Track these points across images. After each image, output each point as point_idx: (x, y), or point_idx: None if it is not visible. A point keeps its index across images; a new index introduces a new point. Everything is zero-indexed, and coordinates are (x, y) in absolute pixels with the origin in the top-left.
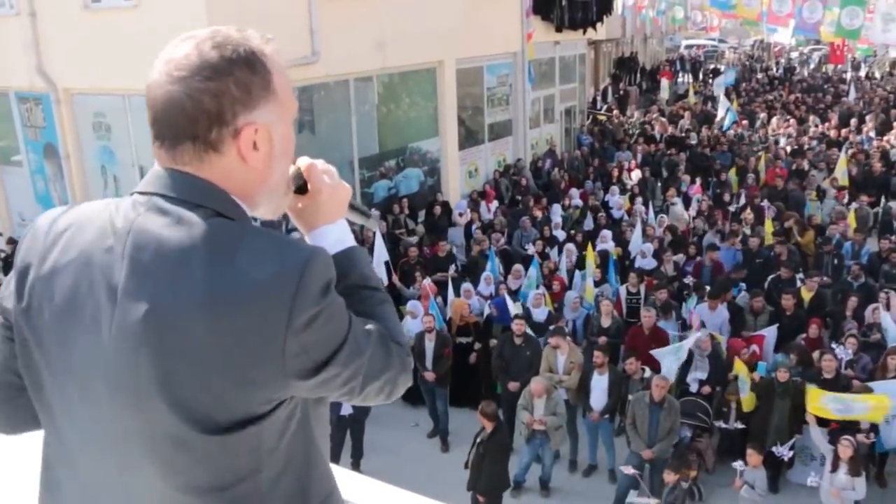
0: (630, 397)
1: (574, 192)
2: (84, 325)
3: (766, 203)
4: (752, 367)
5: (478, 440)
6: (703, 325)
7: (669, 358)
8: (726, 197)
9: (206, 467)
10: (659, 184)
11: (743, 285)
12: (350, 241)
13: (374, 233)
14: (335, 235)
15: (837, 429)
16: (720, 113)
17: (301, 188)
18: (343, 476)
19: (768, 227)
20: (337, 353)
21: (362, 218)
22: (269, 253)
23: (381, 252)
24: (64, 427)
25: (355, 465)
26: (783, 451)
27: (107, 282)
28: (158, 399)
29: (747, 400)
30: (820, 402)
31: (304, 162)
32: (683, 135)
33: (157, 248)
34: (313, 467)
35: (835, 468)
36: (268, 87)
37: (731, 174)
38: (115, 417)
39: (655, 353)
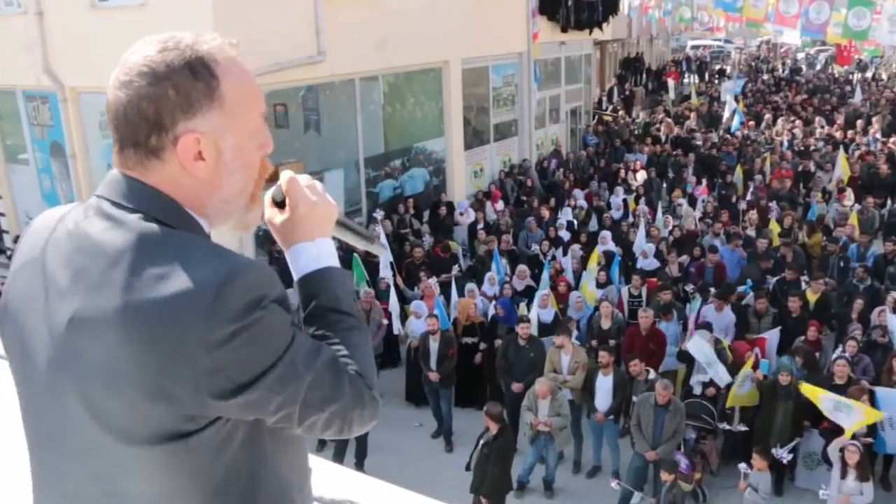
0: (635, 398)
1: (578, 192)
2: (33, 327)
3: (773, 204)
4: (754, 367)
5: (481, 441)
6: (707, 326)
7: (715, 369)
8: (732, 198)
9: (129, 478)
10: (664, 185)
11: (750, 283)
12: (328, 261)
13: (379, 233)
14: (312, 254)
15: (829, 429)
16: (726, 114)
17: (280, 203)
18: (347, 476)
19: (774, 228)
20: (263, 376)
21: (362, 241)
22: (192, 264)
23: (386, 254)
24: (28, 424)
25: (359, 466)
26: (782, 453)
27: (52, 284)
28: (81, 404)
29: (744, 397)
30: (820, 401)
31: (286, 176)
32: (689, 135)
33: (90, 253)
34: (260, 494)
35: (843, 474)
36: (212, 94)
37: (738, 175)
38: (53, 418)
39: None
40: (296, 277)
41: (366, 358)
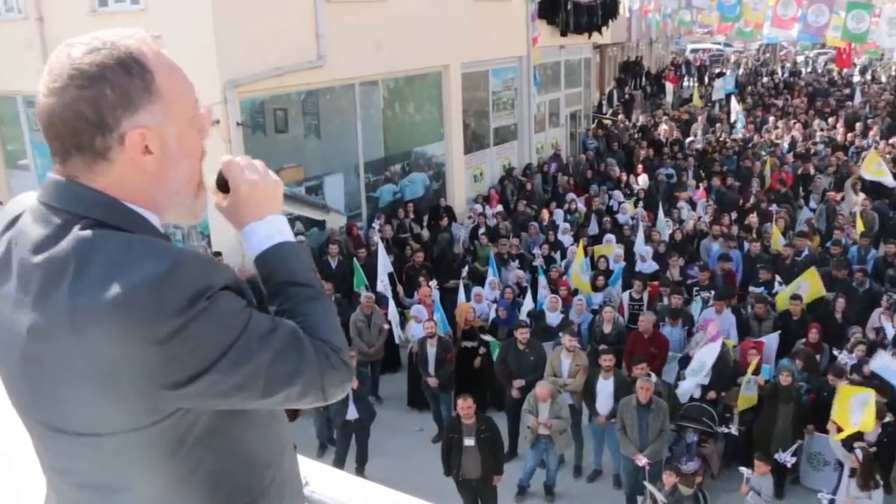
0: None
1: (571, 195)
2: (4, 338)
3: (774, 207)
4: (755, 372)
5: (475, 439)
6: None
7: (690, 381)
8: (737, 201)
9: (98, 468)
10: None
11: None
12: (280, 237)
13: (377, 243)
14: (263, 232)
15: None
16: (732, 116)
17: (224, 186)
18: (348, 480)
19: (776, 232)
20: (217, 363)
21: (318, 213)
22: (131, 264)
23: (384, 263)
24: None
25: (360, 470)
26: (786, 458)
27: (4, 294)
28: (43, 407)
29: (746, 399)
30: (850, 402)
31: (223, 159)
32: (692, 139)
33: (34, 261)
34: (227, 478)
35: (853, 474)
36: (148, 87)
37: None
38: (23, 415)
39: (683, 385)
40: (252, 257)
41: (328, 324)
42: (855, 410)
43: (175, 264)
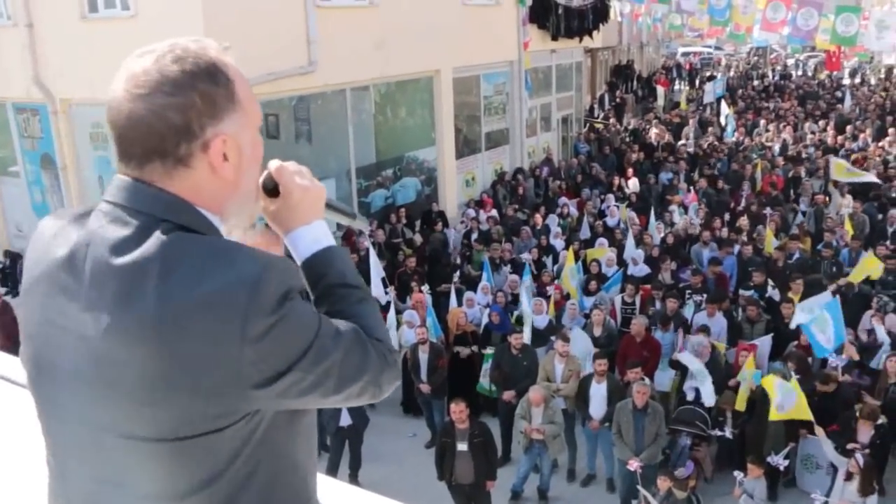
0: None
1: (564, 199)
2: (57, 343)
3: (767, 210)
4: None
5: (468, 444)
6: (706, 330)
7: (704, 385)
8: (727, 204)
9: (165, 476)
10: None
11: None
12: (327, 241)
13: (368, 248)
14: (311, 237)
15: (838, 432)
16: (723, 120)
17: (272, 191)
18: (340, 488)
19: (769, 235)
20: (299, 360)
21: (346, 218)
22: (223, 266)
23: (376, 268)
24: (52, 437)
25: (353, 476)
26: (778, 460)
27: (72, 293)
28: (119, 410)
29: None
30: (775, 387)
31: (273, 164)
32: (684, 142)
33: (115, 262)
34: (281, 481)
35: (848, 478)
36: (232, 97)
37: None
38: (84, 427)
39: (704, 391)
40: (299, 261)
41: (380, 324)
42: (787, 398)
43: (267, 266)
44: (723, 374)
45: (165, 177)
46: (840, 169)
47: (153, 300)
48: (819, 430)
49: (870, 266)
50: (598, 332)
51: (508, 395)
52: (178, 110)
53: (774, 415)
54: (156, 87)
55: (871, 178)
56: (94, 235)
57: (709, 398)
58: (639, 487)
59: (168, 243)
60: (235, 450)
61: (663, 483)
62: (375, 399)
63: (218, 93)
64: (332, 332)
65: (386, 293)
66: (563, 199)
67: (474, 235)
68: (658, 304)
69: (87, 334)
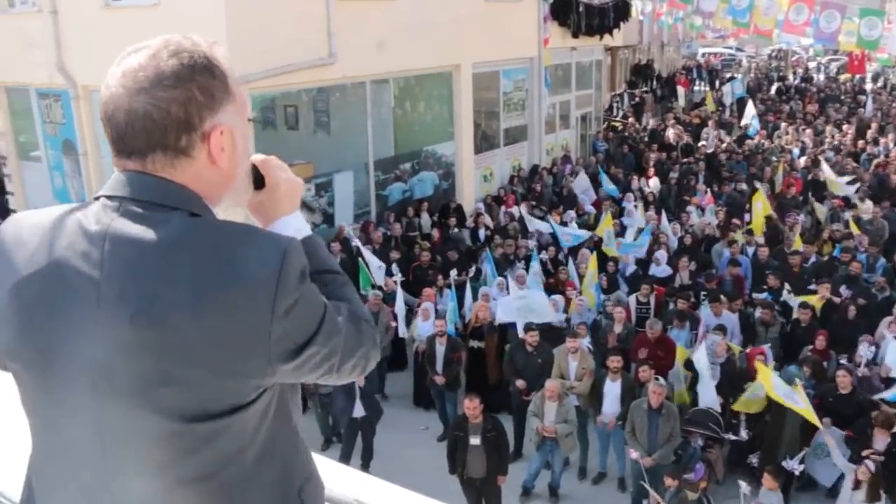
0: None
1: (584, 198)
2: (64, 331)
3: (793, 215)
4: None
5: (481, 438)
6: (722, 329)
7: (705, 388)
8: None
9: (194, 457)
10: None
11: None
12: (307, 229)
13: (357, 247)
14: (294, 226)
15: (853, 438)
16: (746, 119)
17: (258, 183)
18: (354, 477)
19: (798, 242)
20: (316, 334)
21: (308, 212)
22: (250, 245)
23: (373, 262)
24: (50, 435)
25: (365, 467)
26: (794, 465)
27: (85, 286)
28: (148, 397)
29: (751, 403)
30: (773, 385)
31: (258, 158)
32: (703, 143)
33: (139, 252)
34: (294, 451)
35: (856, 486)
36: (226, 88)
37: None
38: (102, 420)
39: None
40: None
41: (362, 306)
42: (791, 397)
43: (287, 246)
44: (737, 375)
45: (169, 167)
46: (833, 185)
47: (189, 285)
48: (829, 439)
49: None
50: (618, 329)
51: (521, 383)
52: (179, 103)
53: (772, 393)
54: (155, 82)
55: (845, 189)
56: (109, 228)
57: (711, 402)
58: (643, 483)
59: (190, 226)
60: (259, 420)
61: (671, 481)
62: (361, 375)
63: (215, 85)
64: (335, 311)
65: (395, 283)
66: (583, 197)
67: (482, 232)
68: (672, 305)
69: (115, 326)
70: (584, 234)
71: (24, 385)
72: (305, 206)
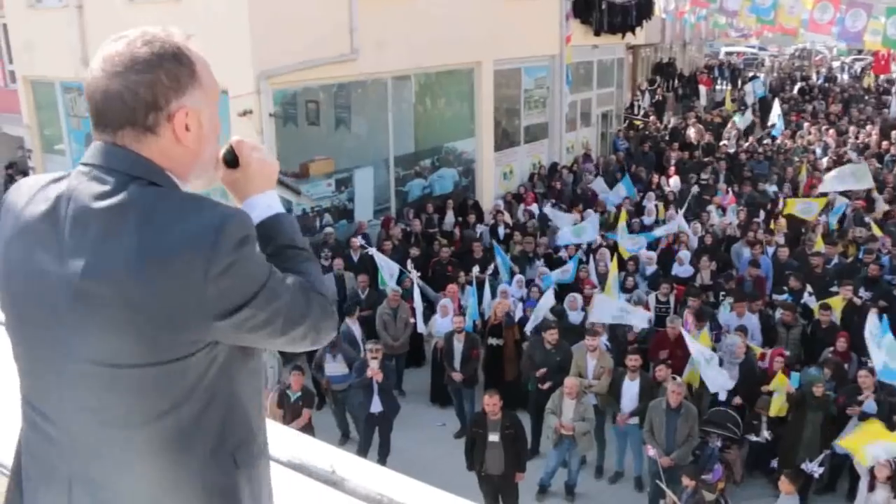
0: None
1: (605, 196)
2: (37, 284)
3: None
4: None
5: (499, 435)
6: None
7: (711, 373)
8: (765, 206)
9: (133, 400)
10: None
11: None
12: (278, 208)
13: (365, 248)
14: (265, 203)
15: None
16: (772, 119)
17: (232, 162)
18: (372, 470)
19: (819, 241)
20: (254, 297)
21: (292, 194)
22: (192, 213)
23: (387, 264)
24: (33, 377)
25: (382, 462)
26: (813, 468)
27: (52, 242)
28: (91, 342)
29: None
30: (866, 449)
31: (234, 139)
32: (725, 142)
33: (95, 212)
34: (232, 413)
35: (871, 488)
36: (193, 75)
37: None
38: (68, 361)
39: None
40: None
41: (322, 281)
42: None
43: (228, 214)
44: (755, 376)
45: (136, 142)
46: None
47: (134, 242)
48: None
49: None
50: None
51: (540, 372)
52: (147, 86)
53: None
54: (128, 67)
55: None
56: (74, 190)
57: (721, 388)
58: (659, 483)
59: (144, 194)
60: (199, 376)
61: (688, 481)
62: (317, 345)
63: (181, 71)
64: (281, 279)
65: (411, 281)
66: (605, 196)
67: (501, 230)
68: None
69: (68, 276)
70: (651, 236)
71: (10, 331)
72: (289, 188)
